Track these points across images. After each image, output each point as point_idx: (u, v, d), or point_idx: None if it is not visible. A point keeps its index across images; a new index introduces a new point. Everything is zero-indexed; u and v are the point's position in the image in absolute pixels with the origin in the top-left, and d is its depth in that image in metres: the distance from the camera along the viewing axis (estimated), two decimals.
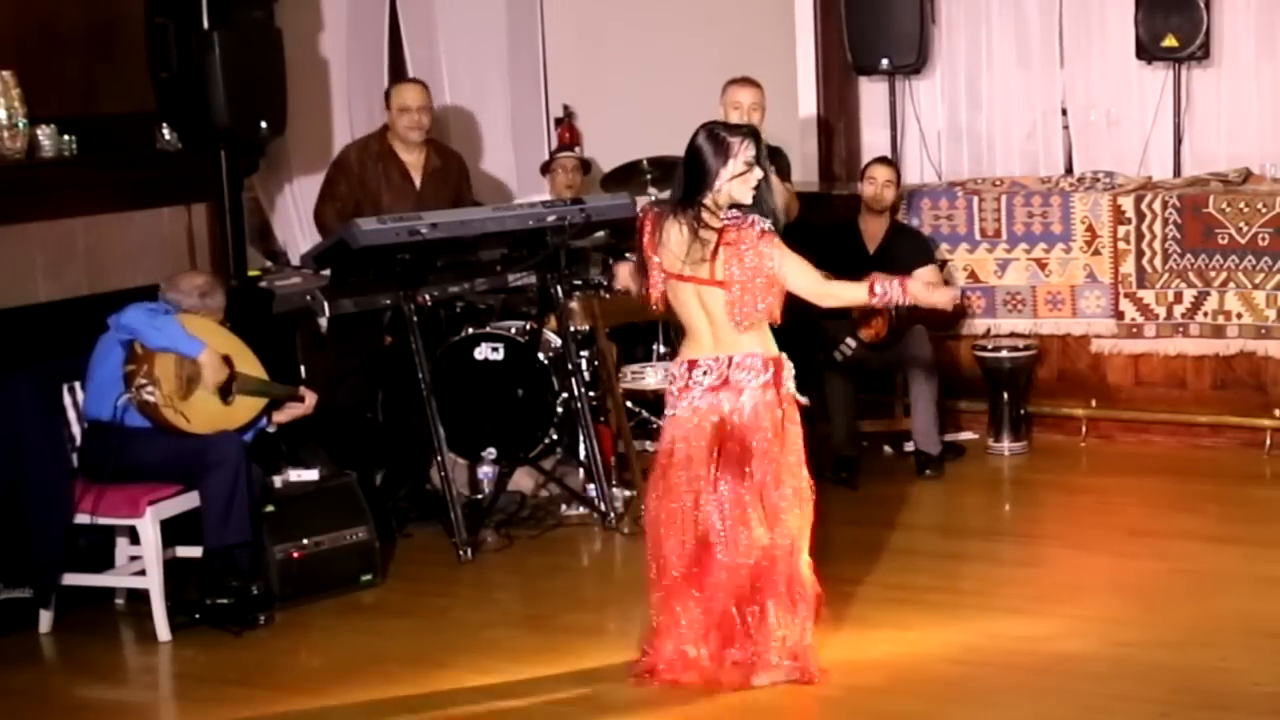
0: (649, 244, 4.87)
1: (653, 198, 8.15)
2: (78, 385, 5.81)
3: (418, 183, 7.01)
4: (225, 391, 5.76)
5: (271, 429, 6.02)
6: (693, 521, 4.84)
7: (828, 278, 4.95)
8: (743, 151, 4.77)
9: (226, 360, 5.76)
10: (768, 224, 4.75)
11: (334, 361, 6.86)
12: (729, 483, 4.80)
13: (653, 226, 4.87)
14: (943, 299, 5.09)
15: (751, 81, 6.66)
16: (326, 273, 6.64)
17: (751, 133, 4.85)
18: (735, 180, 4.76)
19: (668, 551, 4.87)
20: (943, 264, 7.76)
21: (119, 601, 5.93)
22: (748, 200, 4.78)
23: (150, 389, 5.59)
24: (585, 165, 8.38)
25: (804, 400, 4.94)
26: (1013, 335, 7.78)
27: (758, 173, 4.78)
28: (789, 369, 4.87)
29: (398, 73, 8.52)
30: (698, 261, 4.77)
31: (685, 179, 4.82)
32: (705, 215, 4.76)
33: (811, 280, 4.81)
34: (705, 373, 4.82)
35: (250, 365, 5.89)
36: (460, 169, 7.36)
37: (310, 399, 6.09)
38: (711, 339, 4.82)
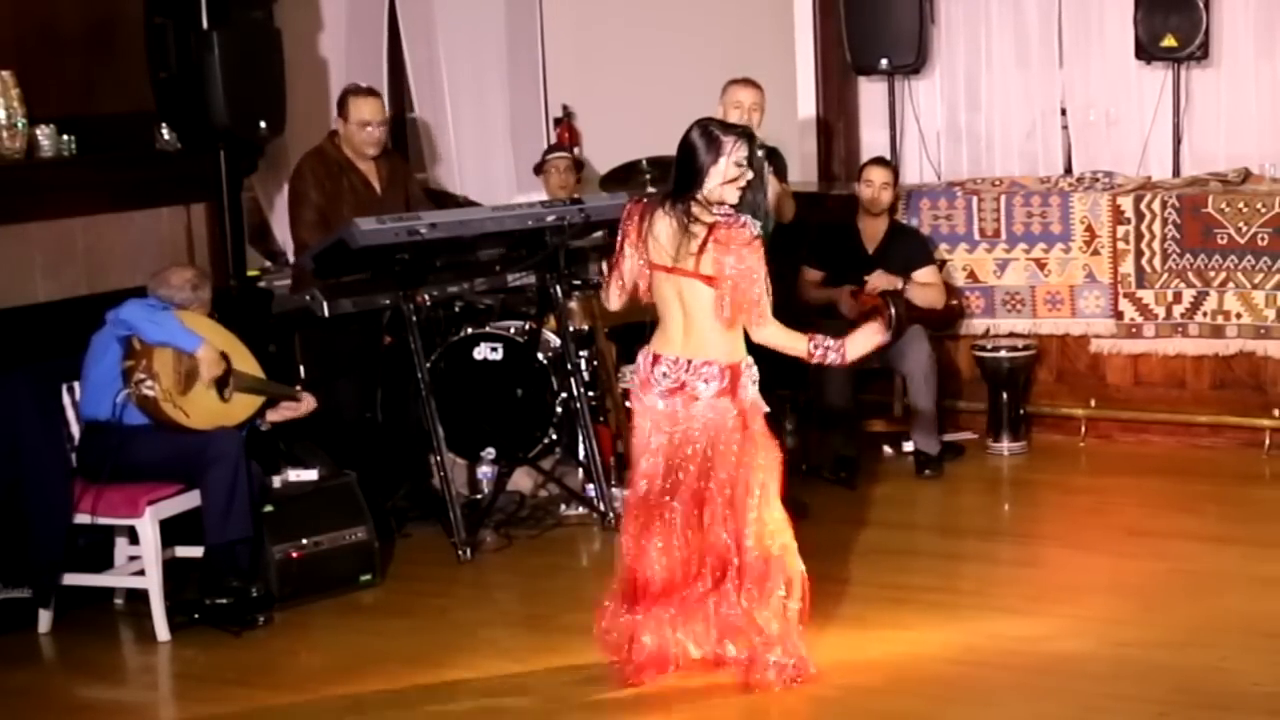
0: (635, 235, 4.87)
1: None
2: (76, 385, 5.81)
3: (379, 190, 6.89)
4: (222, 387, 5.76)
5: (265, 427, 6.01)
6: (666, 520, 4.87)
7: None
8: (734, 151, 4.77)
9: (223, 357, 5.76)
10: (757, 229, 4.76)
11: (323, 362, 6.84)
12: (688, 488, 4.83)
13: (640, 218, 4.87)
14: (869, 343, 4.95)
15: (752, 82, 6.66)
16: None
17: (745, 134, 4.85)
18: (726, 183, 4.76)
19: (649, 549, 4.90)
20: (942, 264, 7.76)
21: (118, 601, 5.93)
22: (733, 200, 4.78)
23: (149, 384, 5.59)
24: (579, 165, 8.37)
25: (765, 407, 4.92)
26: (1012, 335, 7.78)
27: (748, 175, 4.79)
28: (750, 375, 4.86)
29: (396, 73, 8.52)
30: (684, 255, 4.77)
31: (676, 174, 4.84)
32: (696, 210, 4.76)
33: (759, 308, 4.77)
34: (665, 374, 4.83)
35: (246, 363, 5.89)
36: (407, 170, 7.29)
37: (308, 401, 6.09)
38: (682, 336, 4.83)
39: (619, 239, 4.94)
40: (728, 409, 4.79)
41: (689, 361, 4.79)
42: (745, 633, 4.85)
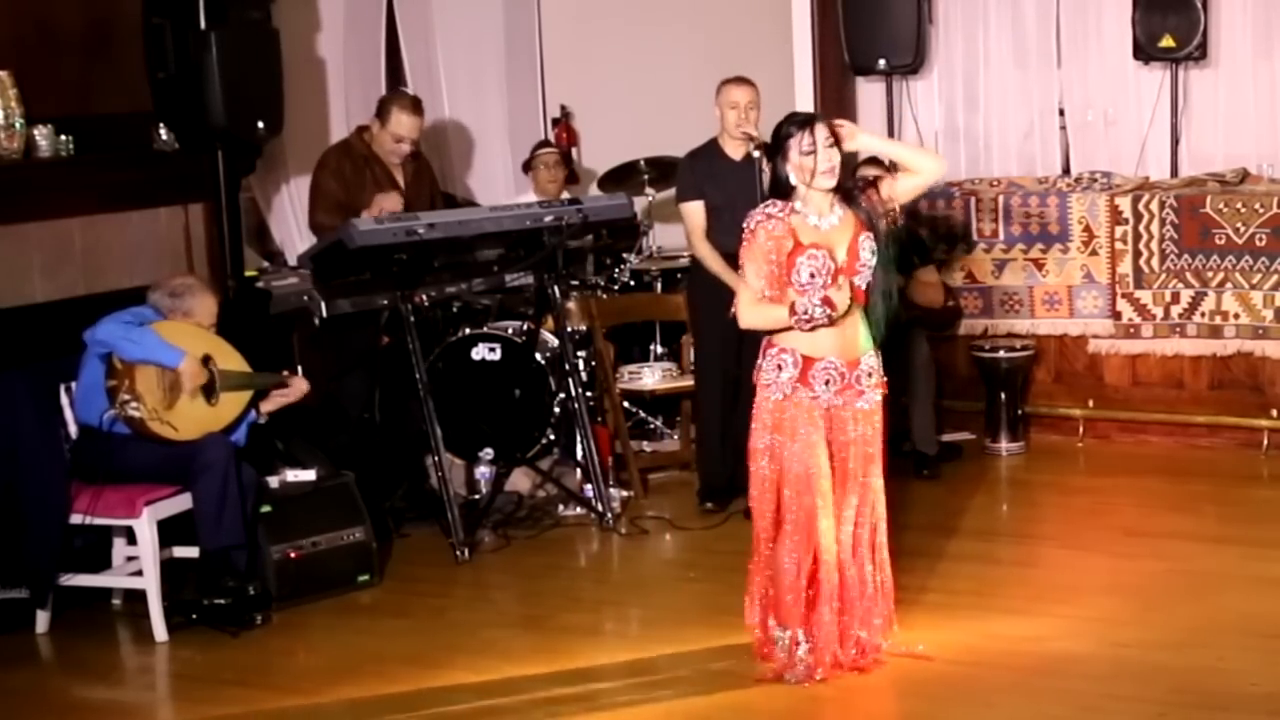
0: None
1: (650, 198, 8.18)
2: (74, 385, 5.80)
3: (402, 184, 6.93)
4: (209, 391, 5.74)
5: (262, 420, 5.99)
6: None
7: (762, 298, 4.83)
8: (802, 143, 4.75)
9: (206, 362, 5.74)
10: (753, 221, 4.77)
11: (329, 360, 6.84)
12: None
13: None
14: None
15: (747, 80, 6.65)
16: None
17: (807, 120, 4.80)
18: (807, 174, 4.76)
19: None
20: (940, 264, 7.76)
21: (116, 602, 5.93)
22: (827, 185, 4.77)
23: (134, 404, 5.56)
24: (566, 160, 8.36)
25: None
26: (1010, 335, 7.79)
27: (825, 160, 4.73)
28: (768, 356, 4.86)
29: (395, 73, 8.52)
30: None
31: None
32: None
33: (744, 294, 4.81)
34: None
35: (231, 360, 5.84)
36: (429, 168, 7.30)
37: (298, 384, 6.04)
38: None
39: None
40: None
41: None
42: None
